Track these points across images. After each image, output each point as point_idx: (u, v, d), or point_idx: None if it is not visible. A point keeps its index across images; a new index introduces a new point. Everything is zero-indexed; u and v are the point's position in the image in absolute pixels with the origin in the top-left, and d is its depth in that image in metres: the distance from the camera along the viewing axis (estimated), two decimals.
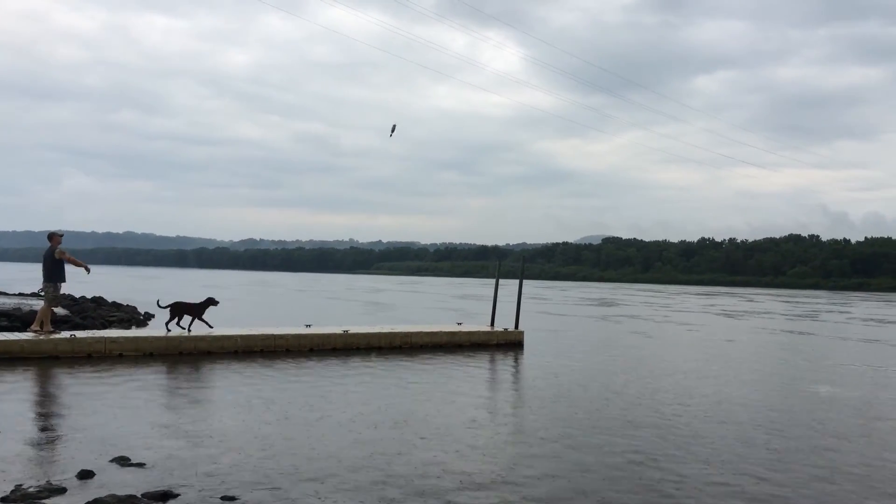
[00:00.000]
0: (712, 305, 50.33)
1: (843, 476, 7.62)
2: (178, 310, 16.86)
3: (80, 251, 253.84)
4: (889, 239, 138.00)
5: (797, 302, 59.35)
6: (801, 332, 27.39)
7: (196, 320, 16.93)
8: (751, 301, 59.75)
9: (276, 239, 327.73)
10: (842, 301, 64.19)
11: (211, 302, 17.15)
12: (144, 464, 7.15)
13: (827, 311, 45.01)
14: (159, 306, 17.19)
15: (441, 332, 19.13)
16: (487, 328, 20.58)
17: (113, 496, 6.02)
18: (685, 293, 76.35)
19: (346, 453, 7.84)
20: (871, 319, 37.17)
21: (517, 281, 21.71)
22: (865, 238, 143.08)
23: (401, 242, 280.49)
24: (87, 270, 16.58)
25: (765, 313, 40.87)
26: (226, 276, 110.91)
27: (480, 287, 78.76)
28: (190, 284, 69.56)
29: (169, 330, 16.59)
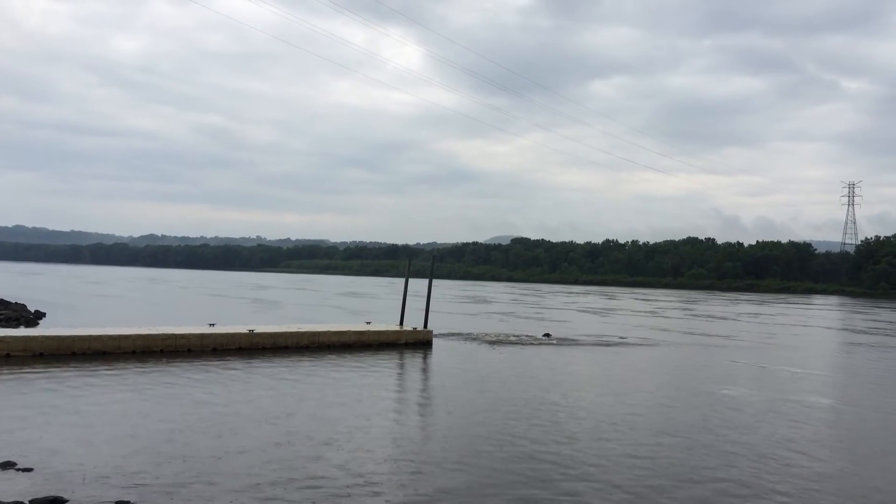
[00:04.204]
0: (574, 303, 52.45)
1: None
2: None
3: None
4: (777, 242, 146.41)
5: (650, 300, 62.26)
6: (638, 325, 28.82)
7: None
8: (613, 299, 62.71)
9: (180, 235, 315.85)
10: (694, 300, 67.34)
11: None
12: (32, 469, 6.83)
13: (672, 309, 47.29)
14: None
15: (349, 331, 19.01)
16: (396, 327, 20.60)
17: None
18: (556, 292, 78.35)
19: (246, 457, 7.71)
20: (701, 315, 39.37)
21: (426, 280, 21.82)
22: (756, 241, 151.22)
23: (310, 240, 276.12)
24: None
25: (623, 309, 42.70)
26: (117, 273, 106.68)
27: (371, 286, 78.46)
28: (76, 281, 66.25)
29: None
